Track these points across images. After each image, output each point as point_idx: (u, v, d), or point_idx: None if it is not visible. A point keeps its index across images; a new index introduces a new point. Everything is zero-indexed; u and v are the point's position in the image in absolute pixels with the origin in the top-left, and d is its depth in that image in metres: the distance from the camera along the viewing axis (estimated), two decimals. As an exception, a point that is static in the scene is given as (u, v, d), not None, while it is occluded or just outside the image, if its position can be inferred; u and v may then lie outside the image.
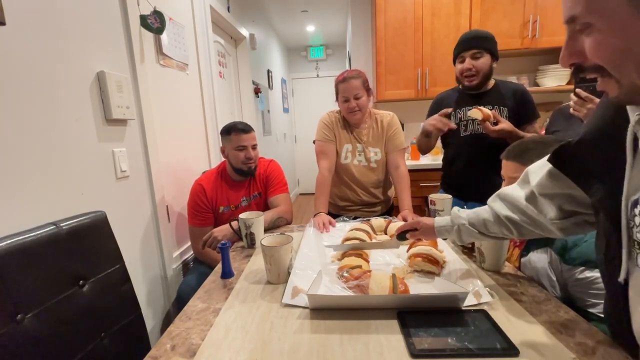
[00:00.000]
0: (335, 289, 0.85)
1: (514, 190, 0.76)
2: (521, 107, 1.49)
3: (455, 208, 0.89)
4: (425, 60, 2.54)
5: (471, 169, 1.56)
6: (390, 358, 0.61)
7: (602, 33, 0.41)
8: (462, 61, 1.48)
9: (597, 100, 1.12)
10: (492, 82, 1.53)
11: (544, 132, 1.70)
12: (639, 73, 0.40)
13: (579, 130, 0.58)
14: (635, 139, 0.47)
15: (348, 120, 1.54)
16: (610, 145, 0.51)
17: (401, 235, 0.94)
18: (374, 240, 1.17)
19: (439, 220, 0.89)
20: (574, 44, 0.45)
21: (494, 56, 1.47)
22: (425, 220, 0.92)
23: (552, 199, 0.67)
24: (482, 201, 1.55)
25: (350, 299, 0.78)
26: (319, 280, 0.86)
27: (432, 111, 1.65)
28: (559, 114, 1.56)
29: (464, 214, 0.85)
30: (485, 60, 1.45)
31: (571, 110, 1.24)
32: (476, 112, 1.39)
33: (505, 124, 1.38)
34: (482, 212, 0.83)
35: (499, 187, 1.61)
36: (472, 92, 1.53)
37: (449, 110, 1.49)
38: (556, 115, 1.58)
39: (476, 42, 1.44)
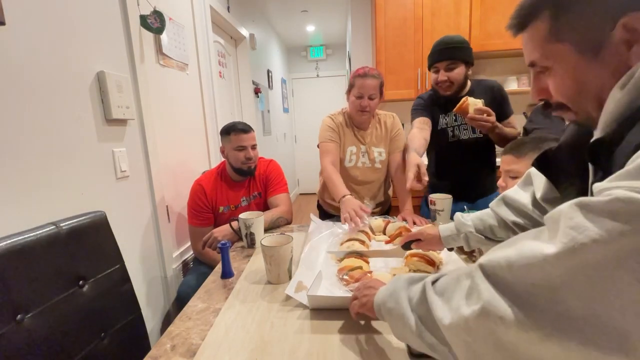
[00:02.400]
0: (336, 291, 0.84)
1: (517, 194, 0.76)
2: (497, 104, 1.43)
3: (458, 214, 0.87)
4: (425, 60, 2.53)
5: (459, 174, 1.55)
6: (391, 358, 0.61)
7: (559, 75, 0.47)
8: (437, 71, 1.43)
9: None
10: (467, 86, 1.49)
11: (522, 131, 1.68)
12: (594, 108, 0.46)
13: (561, 127, 0.60)
14: None
15: (353, 119, 1.52)
16: (581, 153, 0.54)
17: (406, 245, 0.93)
18: (372, 242, 1.17)
19: (444, 230, 0.88)
20: (539, 83, 0.51)
21: (469, 63, 1.41)
22: (429, 230, 0.91)
23: (552, 203, 0.68)
24: (472, 201, 1.53)
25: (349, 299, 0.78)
26: (319, 281, 0.85)
27: (417, 105, 1.59)
28: (539, 112, 1.54)
29: (469, 220, 0.84)
30: (459, 70, 1.39)
31: None
32: (476, 101, 1.35)
33: (492, 117, 1.34)
34: (486, 217, 0.82)
35: (486, 190, 1.61)
36: (447, 98, 1.48)
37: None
38: (536, 113, 1.56)
39: (449, 53, 1.38)
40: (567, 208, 0.35)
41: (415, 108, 1.59)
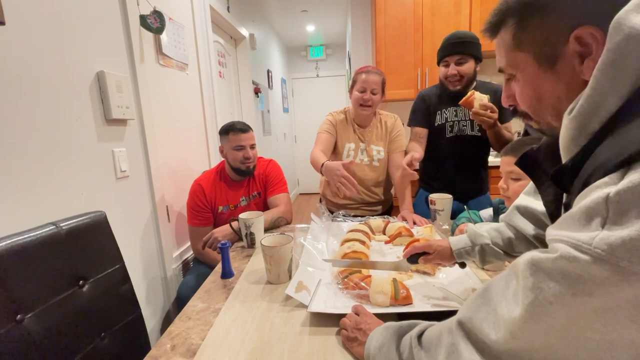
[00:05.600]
0: (335, 296, 0.82)
1: (532, 203, 0.71)
2: (498, 108, 1.40)
3: (471, 225, 0.80)
4: (425, 60, 2.54)
5: (456, 170, 1.55)
6: (390, 358, 0.61)
7: (521, 84, 0.50)
8: (447, 65, 1.46)
9: None
10: (474, 83, 1.51)
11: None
12: (552, 116, 0.48)
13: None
14: None
15: (355, 116, 1.53)
16: (557, 155, 0.54)
17: (412, 259, 0.84)
18: (372, 242, 1.17)
19: (456, 242, 0.79)
20: (509, 89, 0.53)
21: (478, 59, 1.44)
22: (439, 242, 0.83)
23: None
24: (464, 201, 1.54)
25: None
26: (318, 291, 0.83)
27: (417, 108, 1.61)
28: None
29: (485, 231, 0.76)
30: (469, 65, 1.42)
31: None
32: (482, 96, 1.35)
33: (495, 114, 1.35)
34: (503, 229, 0.75)
35: (477, 191, 1.59)
36: (455, 93, 1.48)
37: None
38: None
39: (460, 47, 1.41)
40: (523, 266, 0.38)
41: (415, 110, 1.62)
